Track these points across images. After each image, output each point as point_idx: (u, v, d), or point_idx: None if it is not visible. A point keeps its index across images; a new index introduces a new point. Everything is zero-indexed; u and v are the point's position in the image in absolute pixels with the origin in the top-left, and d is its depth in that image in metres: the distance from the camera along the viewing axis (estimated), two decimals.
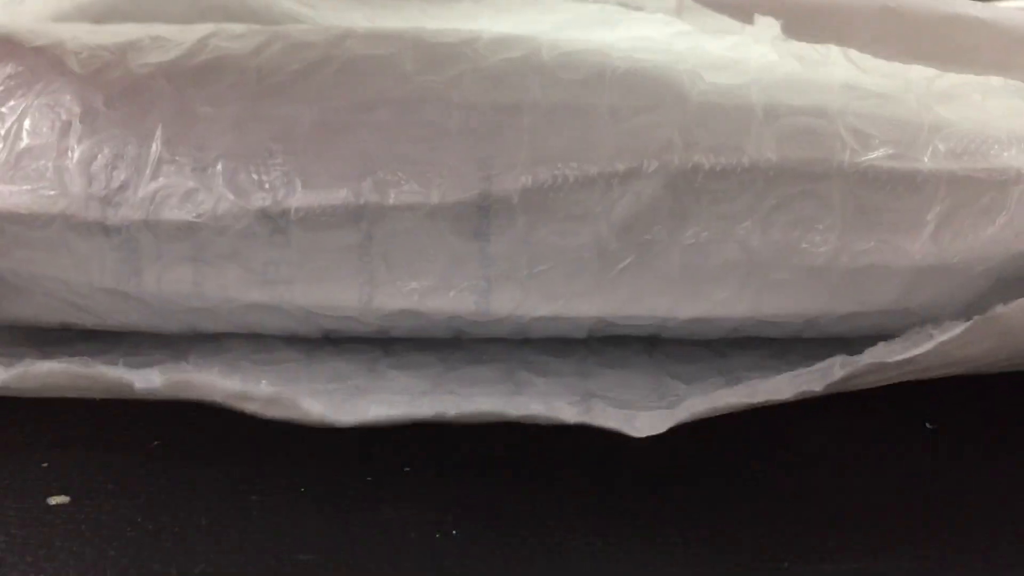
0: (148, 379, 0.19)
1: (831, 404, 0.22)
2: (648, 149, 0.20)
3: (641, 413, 0.19)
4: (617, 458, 0.20)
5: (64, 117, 0.21)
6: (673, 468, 0.20)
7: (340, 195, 0.20)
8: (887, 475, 0.20)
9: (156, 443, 0.21)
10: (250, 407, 0.19)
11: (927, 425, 0.21)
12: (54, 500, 0.19)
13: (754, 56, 0.22)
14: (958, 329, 0.18)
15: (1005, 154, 0.20)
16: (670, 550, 0.17)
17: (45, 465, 0.20)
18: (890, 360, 0.18)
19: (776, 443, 0.19)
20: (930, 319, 0.21)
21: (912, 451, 0.20)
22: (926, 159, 0.20)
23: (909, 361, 0.18)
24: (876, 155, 0.20)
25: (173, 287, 0.21)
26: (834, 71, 0.21)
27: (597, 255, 0.20)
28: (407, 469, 0.20)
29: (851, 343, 0.21)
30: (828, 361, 0.19)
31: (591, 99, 0.20)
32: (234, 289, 0.21)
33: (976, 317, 0.18)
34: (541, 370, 0.23)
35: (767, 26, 0.19)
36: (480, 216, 0.20)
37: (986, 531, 0.18)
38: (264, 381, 0.20)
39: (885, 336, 0.21)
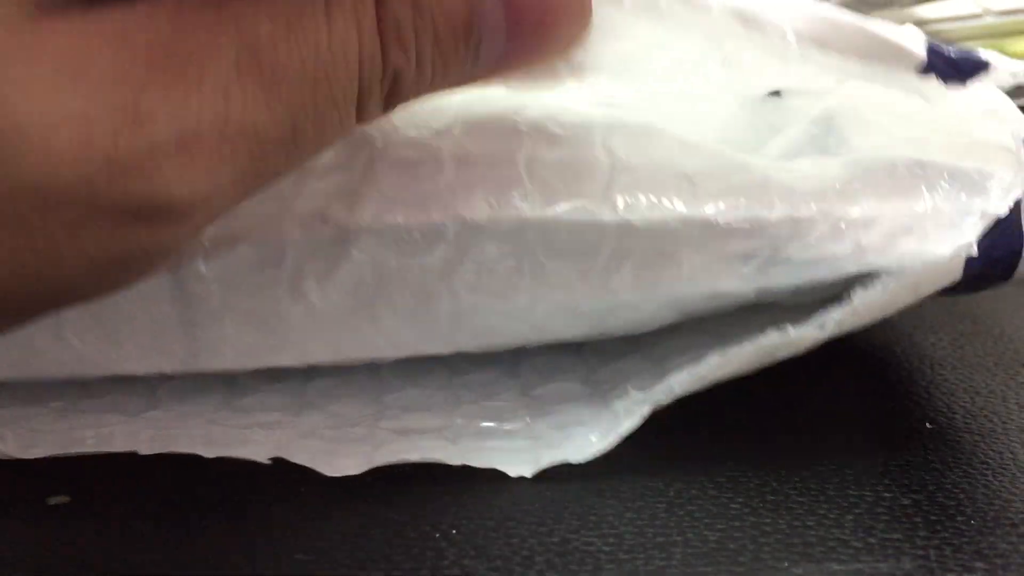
0: None
1: (831, 404, 0.23)
2: (335, 208, 0.20)
3: (340, 452, 0.20)
4: (616, 459, 0.20)
5: None
6: (672, 468, 0.20)
7: None
8: (887, 475, 0.20)
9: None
10: None
11: (927, 425, 0.21)
12: (54, 500, 0.19)
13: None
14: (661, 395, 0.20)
15: (675, 201, 0.20)
16: (670, 550, 0.17)
17: (45, 464, 0.20)
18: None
19: (776, 443, 0.19)
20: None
21: (912, 451, 0.20)
22: (605, 212, 0.20)
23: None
24: (558, 208, 0.20)
25: None
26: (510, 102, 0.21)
27: (298, 314, 0.20)
28: (407, 468, 0.20)
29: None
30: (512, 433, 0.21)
31: None
32: None
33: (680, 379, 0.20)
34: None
35: None
36: (175, 285, 0.20)
37: (985, 531, 0.18)
38: None
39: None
